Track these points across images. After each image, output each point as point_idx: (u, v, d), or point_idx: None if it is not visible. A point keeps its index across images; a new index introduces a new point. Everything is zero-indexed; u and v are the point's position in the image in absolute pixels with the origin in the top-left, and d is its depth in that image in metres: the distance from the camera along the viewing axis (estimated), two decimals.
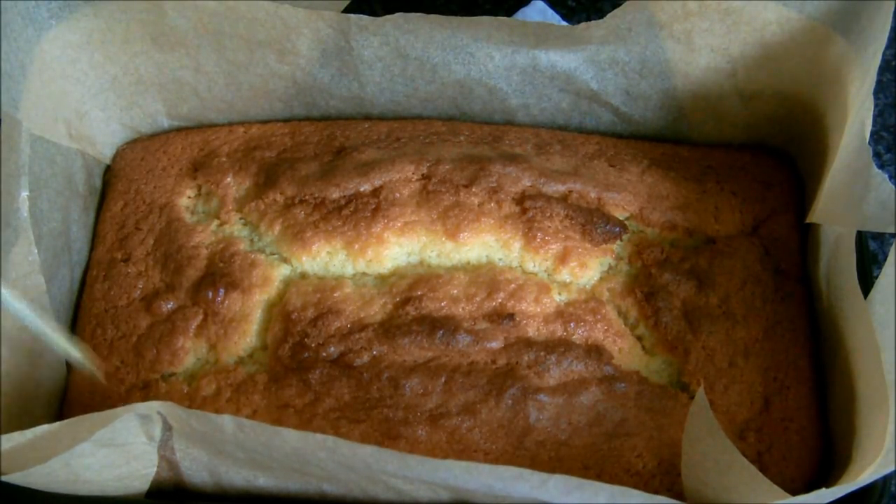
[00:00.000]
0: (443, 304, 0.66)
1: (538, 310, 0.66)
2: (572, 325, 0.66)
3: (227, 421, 0.52)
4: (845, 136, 0.63)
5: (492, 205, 0.70)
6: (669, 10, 0.68)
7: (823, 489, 0.51)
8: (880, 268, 0.62)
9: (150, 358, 0.67)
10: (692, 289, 0.68)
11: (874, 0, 0.63)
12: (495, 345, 0.65)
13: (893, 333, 0.56)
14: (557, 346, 0.65)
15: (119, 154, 0.77)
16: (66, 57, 0.70)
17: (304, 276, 0.69)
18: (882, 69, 0.74)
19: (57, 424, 0.53)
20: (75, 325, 0.70)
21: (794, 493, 0.53)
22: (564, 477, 0.51)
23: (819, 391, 0.67)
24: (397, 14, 0.70)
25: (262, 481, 0.59)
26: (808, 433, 0.65)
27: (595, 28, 0.70)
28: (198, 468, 0.59)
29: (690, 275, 0.69)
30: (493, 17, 0.69)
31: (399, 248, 0.69)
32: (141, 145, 0.77)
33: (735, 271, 0.69)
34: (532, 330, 0.66)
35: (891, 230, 0.56)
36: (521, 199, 0.70)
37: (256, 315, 0.67)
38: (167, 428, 0.56)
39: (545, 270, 0.69)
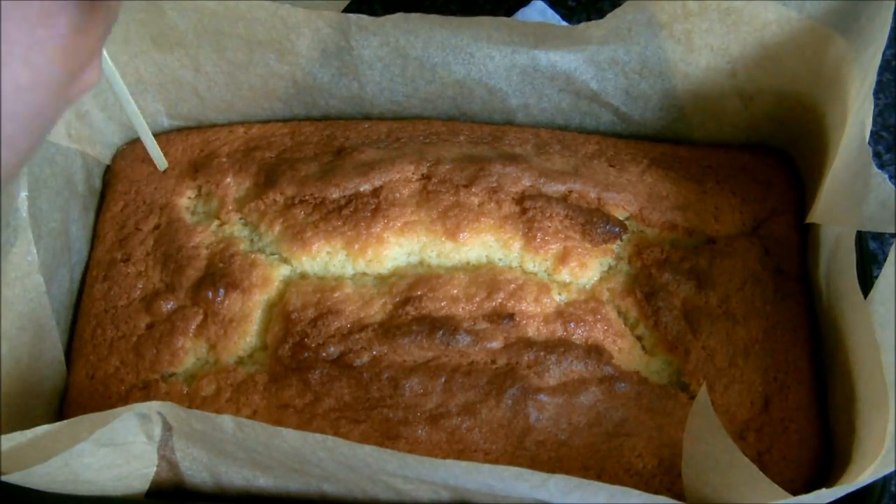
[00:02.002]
0: (443, 304, 0.66)
1: (538, 310, 0.66)
2: (572, 325, 0.66)
3: (227, 421, 0.52)
4: (845, 136, 0.63)
5: (492, 205, 0.70)
6: (669, 10, 0.68)
7: (823, 489, 0.51)
8: (880, 268, 0.62)
9: (149, 358, 0.67)
10: (692, 289, 0.68)
11: (874, 0, 0.63)
12: (495, 345, 0.65)
13: (893, 333, 0.56)
14: (557, 346, 0.65)
15: (119, 154, 0.77)
16: None
17: (304, 276, 0.69)
18: (882, 69, 0.74)
19: (57, 424, 0.53)
20: (75, 325, 0.70)
21: (794, 493, 0.53)
22: (564, 477, 0.51)
23: (819, 391, 0.67)
24: (397, 14, 0.70)
25: (262, 481, 0.59)
26: (808, 433, 0.65)
27: (595, 28, 0.70)
28: (198, 468, 0.59)
29: (690, 275, 0.69)
30: (493, 17, 0.69)
31: (399, 248, 0.69)
32: (141, 145, 0.77)
33: (735, 271, 0.69)
34: (532, 330, 0.66)
35: (891, 230, 0.56)
36: (521, 199, 0.70)
37: (256, 315, 0.67)
38: (167, 428, 0.56)
39: (545, 270, 0.69)
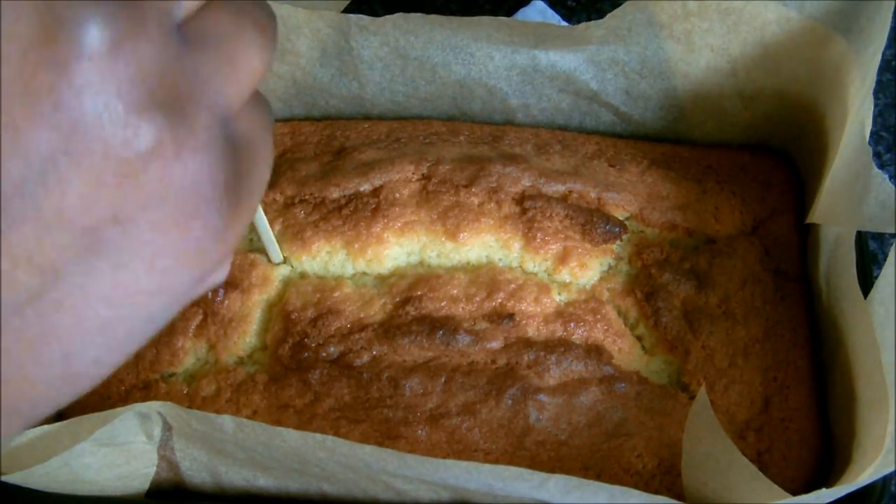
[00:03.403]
0: (443, 304, 0.66)
1: (538, 310, 0.66)
2: (572, 325, 0.66)
3: (227, 421, 0.52)
4: (845, 136, 0.63)
5: (492, 205, 0.70)
6: (669, 10, 0.68)
7: (823, 489, 0.51)
8: (880, 268, 0.62)
9: (149, 358, 0.67)
10: (692, 289, 0.68)
11: (874, 0, 0.63)
12: (495, 345, 0.65)
13: (893, 333, 0.56)
14: (557, 346, 0.65)
15: None
16: None
17: (303, 275, 0.69)
18: (882, 69, 0.74)
19: (57, 424, 0.53)
20: None
21: (793, 493, 0.53)
22: (564, 477, 0.51)
23: (819, 391, 0.67)
24: (397, 14, 0.70)
25: (263, 481, 0.59)
26: (808, 433, 0.65)
27: (595, 28, 0.70)
28: (198, 468, 0.59)
29: (690, 275, 0.69)
30: (493, 17, 0.69)
31: (399, 248, 0.69)
32: None
33: (735, 271, 0.69)
34: (532, 330, 0.66)
35: (891, 230, 0.56)
36: (521, 199, 0.70)
37: (256, 315, 0.67)
38: (167, 428, 0.56)
39: (545, 270, 0.69)
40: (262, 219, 0.65)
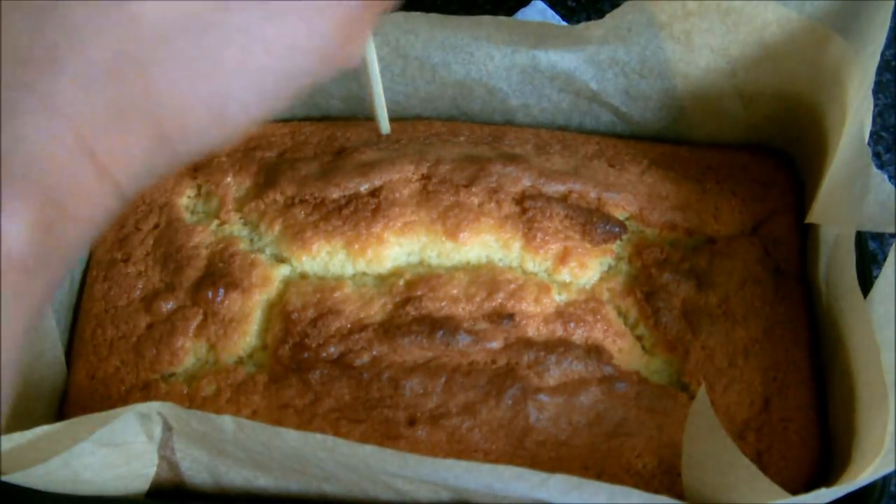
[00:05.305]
0: (443, 304, 0.66)
1: (538, 310, 0.66)
2: (572, 325, 0.66)
3: (227, 421, 0.52)
4: (844, 136, 0.63)
5: (492, 205, 0.70)
6: (669, 10, 0.68)
7: (823, 489, 0.51)
8: (880, 268, 0.62)
9: (149, 358, 0.67)
10: (692, 289, 0.68)
11: (873, 0, 0.63)
12: (495, 345, 0.65)
13: (893, 333, 0.56)
14: (557, 346, 0.65)
15: None
16: None
17: (303, 276, 0.69)
18: (882, 69, 0.75)
19: (57, 424, 0.53)
20: (75, 325, 0.70)
21: (793, 492, 0.53)
22: (564, 476, 0.51)
23: (819, 391, 0.67)
24: (397, 13, 0.70)
25: (263, 482, 0.59)
26: (808, 433, 0.65)
27: (595, 28, 0.70)
28: (198, 468, 0.59)
29: (690, 275, 0.69)
30: (493, 17, 0.70)
31: (399, 247, 0.69)
32: None
33: (735, 271, 0.69)
34: (532, 330, 0.66)
35: (891, 230, 0.56)
36: (521, 199, 0.70)
37: (256, 315, 0.67)
38: (167, 428, 0.56)
39: (545, 270, 0.69)
40: (377, 82, 0.67)
